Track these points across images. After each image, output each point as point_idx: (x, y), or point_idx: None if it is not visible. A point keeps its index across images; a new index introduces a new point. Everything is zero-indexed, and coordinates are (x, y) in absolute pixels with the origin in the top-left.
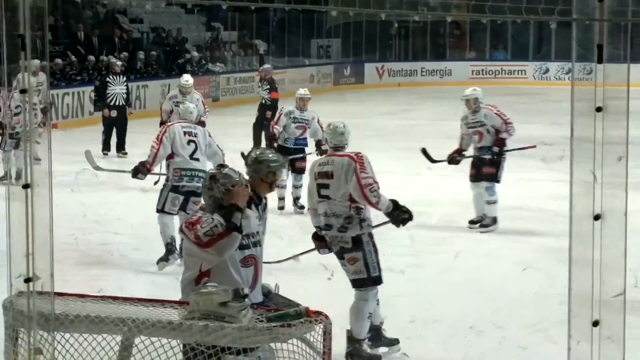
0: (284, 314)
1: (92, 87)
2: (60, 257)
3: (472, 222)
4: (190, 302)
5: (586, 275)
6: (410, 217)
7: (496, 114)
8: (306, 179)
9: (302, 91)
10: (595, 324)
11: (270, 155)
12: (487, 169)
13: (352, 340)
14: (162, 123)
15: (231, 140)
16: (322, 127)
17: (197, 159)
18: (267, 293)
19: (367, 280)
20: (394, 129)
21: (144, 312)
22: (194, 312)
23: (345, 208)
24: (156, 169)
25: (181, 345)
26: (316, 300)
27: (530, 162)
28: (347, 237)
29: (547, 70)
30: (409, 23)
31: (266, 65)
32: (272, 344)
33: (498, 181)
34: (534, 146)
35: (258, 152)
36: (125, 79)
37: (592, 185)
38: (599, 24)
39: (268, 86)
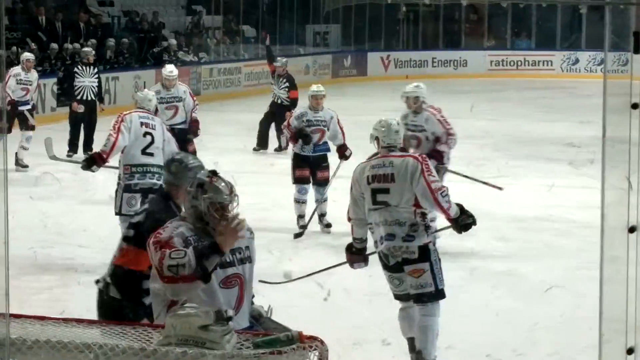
0: (274, 339)
1: (55, 79)
2: (17, 273)
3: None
4: (166, 325)
5: (620, 295)
6: (474, 222)
7: (439, 120)
8: (331, 191)
9: (315, 88)
10: (630, 351)
11: (196, 162)
12: None
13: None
14: None
15: (214, 140)
16: (342, 129)
17: (151, 154)
18: (258, 317)
19: (434, 293)
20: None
21: (112, 337)
22: (171, 337)
23: (410, 214)
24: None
25: None
26: (310, 323)
27: (556, 166)
28: (413, 247)
29: (576, 61)
30: (419, 7)
31: (283, 59)
32: None
33: None
34: (501, 188)
35: (182, 157)
36: (96, 70)
37: (627, 193)
38: (636, 8)
39: (287, 83)
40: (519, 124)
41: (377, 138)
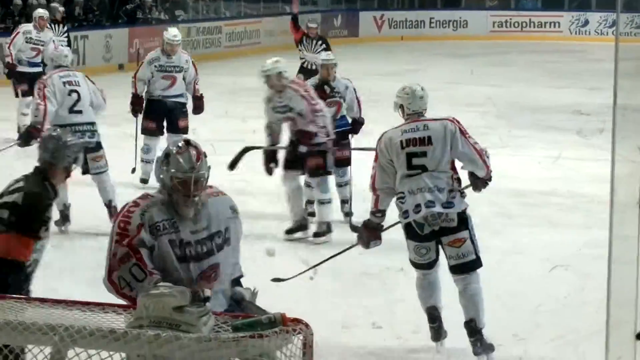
0: (255, 322)
1: None
2: None
3: (289, 231)
4: (138, 305)
5: (629, 275)
6: (490, 179)
7: (302, 96)
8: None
9: (325, 55)
10: (639, 336)
11: (74, 140)
12: (312, 160)
13: (477, 331)
14: (134, 97)
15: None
16: (359, 100)
17: (80, 112)
18: (240, 300)
19: (477, 261)
20: (394, 94)
21: (79, 318)
22: (142, 318)
23: (449, 179)
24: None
25: None
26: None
27: (563, 136)
28: (452, 215)
29: (585, 23)
30: None
31: (317, 20)
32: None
33: (329, 173)
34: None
35: (60, 134)
36: (66, 29)
37: (639, 165)
38: None
39: (323, 45)
40: (523, 90)
41: (401, 106)
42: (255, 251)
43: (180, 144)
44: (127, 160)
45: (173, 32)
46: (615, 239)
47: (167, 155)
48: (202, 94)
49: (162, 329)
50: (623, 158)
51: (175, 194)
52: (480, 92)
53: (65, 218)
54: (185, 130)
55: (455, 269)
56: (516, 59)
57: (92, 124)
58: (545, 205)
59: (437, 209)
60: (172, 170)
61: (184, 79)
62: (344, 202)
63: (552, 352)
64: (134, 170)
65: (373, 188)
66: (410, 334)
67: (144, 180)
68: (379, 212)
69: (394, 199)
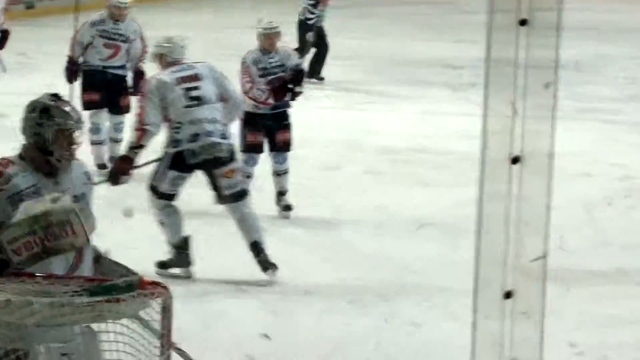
0: (111, 286)
1: None
2: None
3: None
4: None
5: (498, 234)
6: None
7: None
8: (293, 158)
9: (266, 23)
10: (508, 295)
11: None
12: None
13: (262, 250)
14: (71, 62)
15: (49, 60)
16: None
17: None
18: (97, 258)
19: (246, 189)
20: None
21: None
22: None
23: (222, 113)
24: None
25: None
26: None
27: (433, 90)
28: (226, 145)
29: None
30: None
31: None
32: (95, 325)
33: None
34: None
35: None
36: None
37: (511, 120)
38: None
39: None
40: (391, 43)
41: (161, 55)
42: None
43: (52, 98)
44: None
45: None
46: (486, 197)
47: (46, 109)
48: (143, 71)
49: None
50: (495, 113)
51: (57, 149)
52: (345, 45)
53: None
54: (127, 109)
55: (230, 198)
56: (383, 11)
57: None
58: (415, 162)
59: (215, 138)
60: (60, 121)
61: (127, 51)
62: (282, 194)
63: (420, 313)
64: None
65: (140, 124)
66: (273, 297)
67: (102, 166)
68: (139, 147)
69: (167, 131)
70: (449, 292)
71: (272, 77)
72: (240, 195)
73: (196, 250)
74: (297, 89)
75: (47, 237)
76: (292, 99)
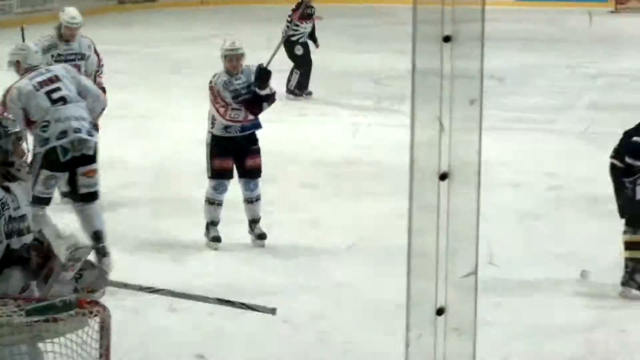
0: (49, 305)
1: None
2: None
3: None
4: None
5: (430, 250)
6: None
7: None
8: (265, 183)
9: (229, 44)
10: (440, 312)
11: None
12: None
13: (102, 238)
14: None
15: None
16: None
17: None
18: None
19: (98, 192)
20: (198, 61)
21: None
22: None
23: (86, 111)
24: None
25: None
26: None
27: (366, 102)
28: (92, 143)
29: None
30: None
31: None
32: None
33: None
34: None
35: None
36: None
37: (439, 135)
38: None
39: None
40: (327, 55)
41: (17, 62)
42: None
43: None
44: None
45: (71, 13)
46: (416, 212)
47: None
48: (103, 86)
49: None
50: (423, 125)
51: (17, 158)
52: (280, 58)
53: None
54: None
55: (84, 197)
56: (326, 23)
57: None
58: (346, 176)
59: (83, 135)
60: (15, 131)
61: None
62: (254, 221)
63: (354, 329)
64: None
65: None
66: (204, 317)
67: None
68: None
69: (33, 133)
70: (383, 309)
71: (243, 97)
72: (94, 196)
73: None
74: (268, 91)
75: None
76: (270, 103)
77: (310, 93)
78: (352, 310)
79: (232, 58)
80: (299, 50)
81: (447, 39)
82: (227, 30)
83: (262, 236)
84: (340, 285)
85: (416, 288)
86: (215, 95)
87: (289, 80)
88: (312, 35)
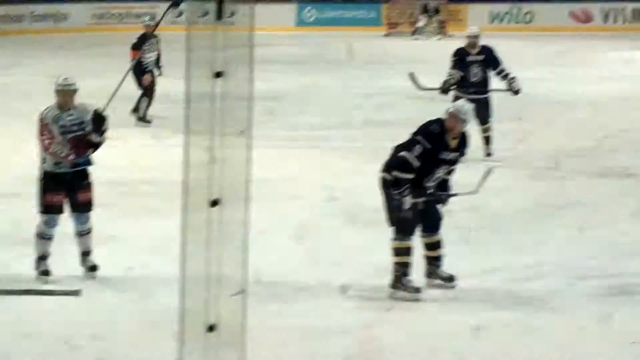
0: None
1: None
2: None
3: None
4: None
5: (201, 271)
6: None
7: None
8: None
9: (62, 80)
10: (211, 329)
11: None
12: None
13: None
14: None
15: None
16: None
17: None
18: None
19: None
20: None
21: None
22: None
23: None
24: None
25: None
26: None
27: (156, 122)
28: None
29: (180, 14)
30: None
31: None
32: None
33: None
34: None
35: None
36: None
37: (209, 167)
38: None
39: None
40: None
41: None
42: None
43: None
44: None
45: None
46: (189, 237)
47: None
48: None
49: None
50: (196, 154)
51: None
52: (84, 86)
53: None
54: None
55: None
56: (117, 50)
57: None
58: (142, 193)
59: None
60: None
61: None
62: (86, 254)
63: (129, 349)
64: None
65: None
66: None
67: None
68: None
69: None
70: (155, 335)
71: (72, 135)
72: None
73: None
74: (99, 139)
75: None
76: (95, 149)
77: (149, 121)
78: (126, 331)
79: (64, 94)
80: (147, 79)
81: (218, 74)
82: (24, 58)
83: (93, 267)
84: (120, 304)
85: (188, 308)
86: (43, 128)
87: (137, 109)
88: (157, 63)
